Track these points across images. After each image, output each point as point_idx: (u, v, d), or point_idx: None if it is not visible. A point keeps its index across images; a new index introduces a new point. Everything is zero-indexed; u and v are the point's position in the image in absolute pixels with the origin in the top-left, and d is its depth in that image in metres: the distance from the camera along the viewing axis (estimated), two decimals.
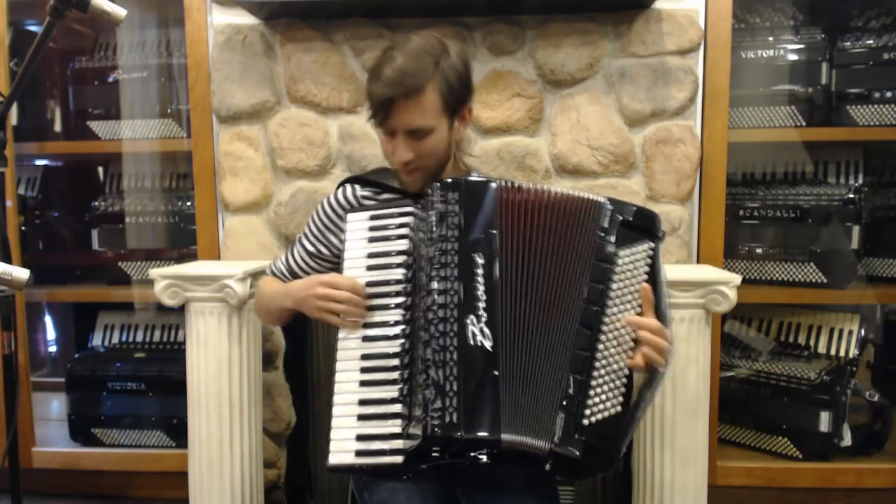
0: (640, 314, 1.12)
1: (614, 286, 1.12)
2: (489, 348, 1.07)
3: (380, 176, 1.42)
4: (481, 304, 1.09)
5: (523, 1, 1.87)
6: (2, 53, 2.08)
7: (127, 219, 2.26)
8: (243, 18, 1.99)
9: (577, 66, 1.93)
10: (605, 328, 1.11)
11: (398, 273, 1.18)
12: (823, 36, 2.05)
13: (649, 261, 1.15)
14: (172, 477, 2.09)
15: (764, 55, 2.06)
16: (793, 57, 2.06)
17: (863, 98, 2.03)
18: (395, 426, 1.11)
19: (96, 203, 2.28)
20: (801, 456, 2.02)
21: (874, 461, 2.02)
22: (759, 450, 2.09)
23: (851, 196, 2.02)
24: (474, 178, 1.37)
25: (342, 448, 1.12)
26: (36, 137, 2.39)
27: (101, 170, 2.47)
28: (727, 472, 2.00)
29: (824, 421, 1.97)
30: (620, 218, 1.15)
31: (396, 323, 1.16)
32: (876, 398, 2.01)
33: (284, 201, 2.03)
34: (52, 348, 2.81)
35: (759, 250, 2.10)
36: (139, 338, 2.35)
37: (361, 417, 1.13)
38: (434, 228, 1.13)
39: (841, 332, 2.10)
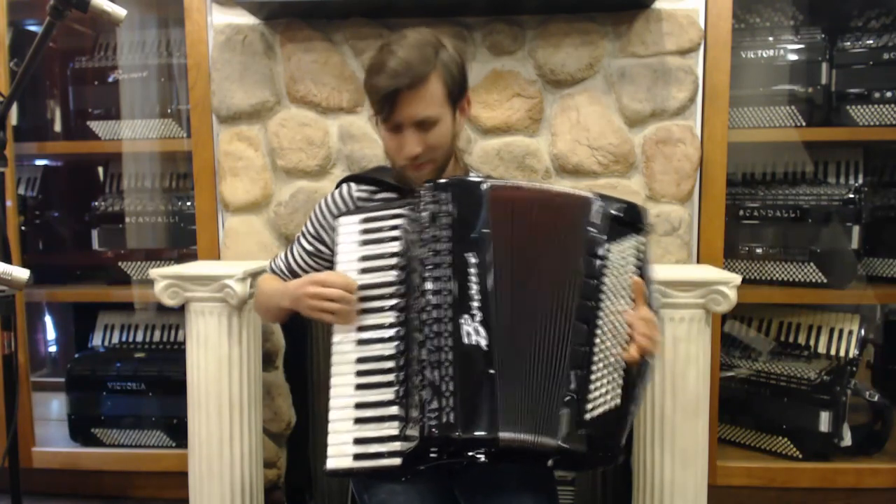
0: (632, 307, 1.13)
1: (608, 281, 1.12)
2: (484, 347, 1.07)
3: (377, 174, 1.42)
4: (475, 304, 1.08)
5: (523, 1, 1.87)
6: (2, 53, 2.08)
7: (127, 219, 2.26)
8: (243, 18, 1.99)
9: (577, 66, 1.93)
10: (601, 322, 1.11)
11: (391, 275, 1.18)
12: (823, 36, 2.05)
13: (639, 254, 1.16)
14: (172, 477, 2.09)
15: (764, 55, 2.06)
16: (793, 57, 2.06)
17: (863, 98, 2.03)
18: (392, 428, 1.10)
19: (96, 203, 2.28)
20: (801, 456, 2.02)
21: (874, 461, 2.02)
22: (759, 450, 2.09)
23: (851, 196, 2.02)
24: (464, 177, 1.37)
25: (340, 452, 1.11)
26: (36, 137, 2.39)
27: (101, 170, 2.47)
28: (727, 472, 2.00)
29: (824, 421, 1.97)
30: (610, 213, 1.15)
31: (391, 325, 1.16)
32: (876, 398, 2.01)
33: (284, 201, 2.03)
34: (52, 348, 2.81)
35: (759, 250, 2.10)
36: (139, 338, 2.35)
37: (358, 421, 1.12)
38: (426, 229, 1.13)
39: (841, 332, 2.10)
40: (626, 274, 1.14)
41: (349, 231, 1.23)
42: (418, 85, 1.21)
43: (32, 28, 2.36)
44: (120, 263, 2.26)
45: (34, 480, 2.12)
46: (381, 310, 1.17)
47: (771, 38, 2.07)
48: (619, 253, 1.14)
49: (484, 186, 1.15)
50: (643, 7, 1.89)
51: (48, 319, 2.78)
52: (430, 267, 1.11)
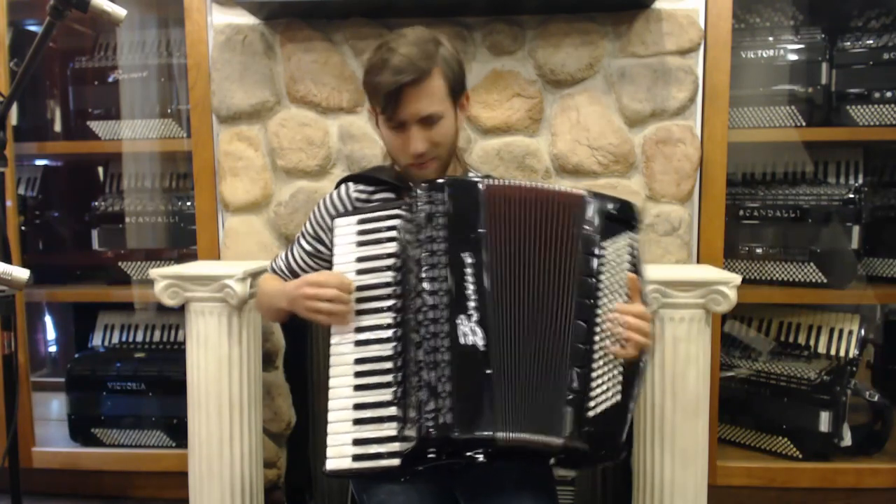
0: (627, 304, 1.13)
1: (604, 278, 1.13)
2: (481, 347, 1.07)
3: (376, 174, 1.42)
4: (472, 304, 1.08)
5: (523, 1, 1.87)
6: (2, 53, 2.08)
7: (127, 219, 2.26)
8: (243, 18, 1.99)
9: (577, 66, 1.93)
10: (599, 320, 1.11)
11: (388, 276, 1.17)
12: (823, 36, 2.05)
13: (633, 251, 1.16)
14: (172, 477, 2.09)
15: (764, 55, 2.06)
16: (793, 57, 2.06)
17: (863, 98, 2.03)
18: (390, 429, 1.10)
19: (96, 203, 2.28)
20: (801, 456, 2.02)
21: (874, 461, 2.02)
22: (759, 450, 2.09)
23: (851, 196, 2.02)
24: (460, 177, 1.37)
25: (339, 453, 1.11)
26: (36, 137, 2.39)
27: (101, 170, 2.47)
28: (727, 472, 2.00)
29: (824, 421, 1.97)
30: (605, 211, 1.16)
31: (388, 326, 1.15)
32: (876, 398, 2.01)
33: (284, 201, 2.03)
34: (52, 348, 2.81)
35: (759, 250, 2.10)
36: (139, 338, 2.35)
37: (357, 421, 1.12)
38: (422, 229, 1.13)
39: (841, 332, 2.10)
40: (622, 271, 1.14)
41: (346, 232, 1.23)
42: (422, 81, 1.21)
43: (32, 28, 2.36)
44: (120, 263, 2.26)
45: (34, 480, 2.12)
46: (378, 311, 1.17)
47: (771, 38, 2.07)
48: (615, 250, 1.14)
49: (479, 186, 1.16)
50: (643, 7, 1.89)
51: (48, 319, 2.78)
52: (426, 267, 1.11)
